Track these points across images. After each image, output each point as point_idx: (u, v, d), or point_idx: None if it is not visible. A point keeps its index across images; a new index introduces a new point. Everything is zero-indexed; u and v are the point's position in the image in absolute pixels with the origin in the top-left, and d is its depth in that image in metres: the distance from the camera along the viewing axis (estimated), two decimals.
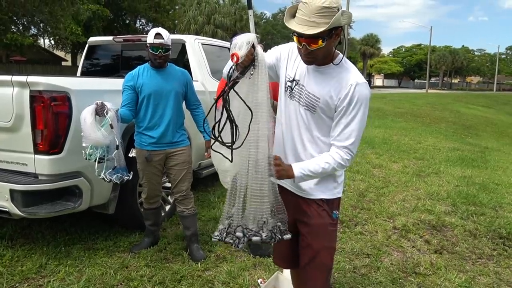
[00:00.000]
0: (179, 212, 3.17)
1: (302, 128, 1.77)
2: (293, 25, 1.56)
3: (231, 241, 1.58)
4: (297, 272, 2.02)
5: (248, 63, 1.52)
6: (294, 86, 1.77)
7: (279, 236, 1.60)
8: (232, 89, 1.53)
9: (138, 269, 2.91)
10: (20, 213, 2.71)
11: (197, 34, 25.50)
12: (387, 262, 3.16)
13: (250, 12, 2.83)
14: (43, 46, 31.52)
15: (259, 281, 2.75)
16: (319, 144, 1.75)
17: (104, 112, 2.60)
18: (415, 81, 77.70)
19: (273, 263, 2.83)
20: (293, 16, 1.60)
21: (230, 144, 1.56)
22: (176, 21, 34.00)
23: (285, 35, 41.02)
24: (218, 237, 1.63)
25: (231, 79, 1.53)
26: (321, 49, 1.58)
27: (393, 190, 5.14)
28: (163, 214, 3.75)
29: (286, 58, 1.83)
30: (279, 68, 1.86)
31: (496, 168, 7.03)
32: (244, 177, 1.59)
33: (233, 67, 1.53)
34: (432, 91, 48.83)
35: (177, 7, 34.60)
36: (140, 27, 32.12)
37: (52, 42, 27.25)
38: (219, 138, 1.57)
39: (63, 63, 33.34)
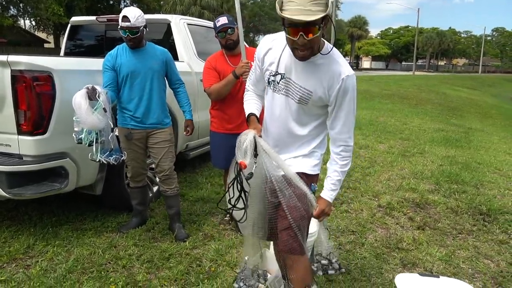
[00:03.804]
0: (162, 191, 3.19)
1: (290, 120, 1.85)
2: (289, 14, 1.54)
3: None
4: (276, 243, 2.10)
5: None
6: (280, 80, 1.80)
7: None
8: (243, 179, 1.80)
9: (126, 248, 2.93)
10: (5, 194, 2.70)
11: (183, 15, 24.98)
12: (371, 239, 3.25)
13: None
14: (23, 27, 30.60)
15: (246, 258, 2.80)
16: (307, 129, 1.87)
17: (96, 96, 2.60)
18: (403, 63, 78.06)
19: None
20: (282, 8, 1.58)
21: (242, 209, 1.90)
22: (161, 2, 33.23)
23: (273, 17, 40.47)
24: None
25: (241, 179, 1.80)
26: (316, 38, 1.59)
27: (378, 169, 5.23)
28: (150, 195, 3.76)
29: (264, 54, 1.85)
30: (263, 69, 1.89)
31: (479, 148, 7.18)
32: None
33: (243, 175, 1.77)
34: (419, 73, 49.16)
35: None
36: (125, 8, 31.31)
37: (33, 23, 26.48)
38: (234, 209, 1.90)
39: (46, 45, 32.49)
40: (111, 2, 30.77)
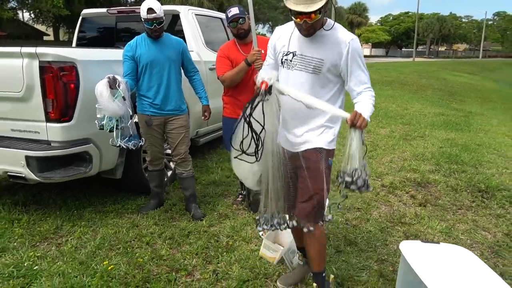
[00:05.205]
0: (178, 174, 3.40)
1: (304, 91, 2.01)
2: (292, 5, 1.79)
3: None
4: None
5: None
6: (293, 58, 2.03)
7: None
8: (251, 115, 1.87)
9: (148, 227, 3.14)
10: (36, 178, 2.90)
11: (182, 5, 24.88)
12: (376, 215, 3.46)
13: None
14: (23, 20, 30.56)
15: (260, 233, 3.01)
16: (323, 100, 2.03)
17: (117, 85, 2.79)
18: (403, 49, 77.79)
19: None
20: None
21: (254, 155, 1.97)
22: None
23: (272, 5, 40.33)
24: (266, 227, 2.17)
25: (257, 100, 1.86)
26: (318, 20, 1.85)
27: (381, 153, 5.42)
28: (166, 179, 3.97)
29: (276, 41, 2.13)
30: (276, 54, 2.15)
31: (478, 130, 7.36)
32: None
33: (262, 91, 1.85)
34: (419, 59, 49.07)
35: None
36: (124, 0, 31.22)
37: (32, 15, 26.46)
38: (246, 152, 1.96)
39: (45, 38, 32.46)
40: None
